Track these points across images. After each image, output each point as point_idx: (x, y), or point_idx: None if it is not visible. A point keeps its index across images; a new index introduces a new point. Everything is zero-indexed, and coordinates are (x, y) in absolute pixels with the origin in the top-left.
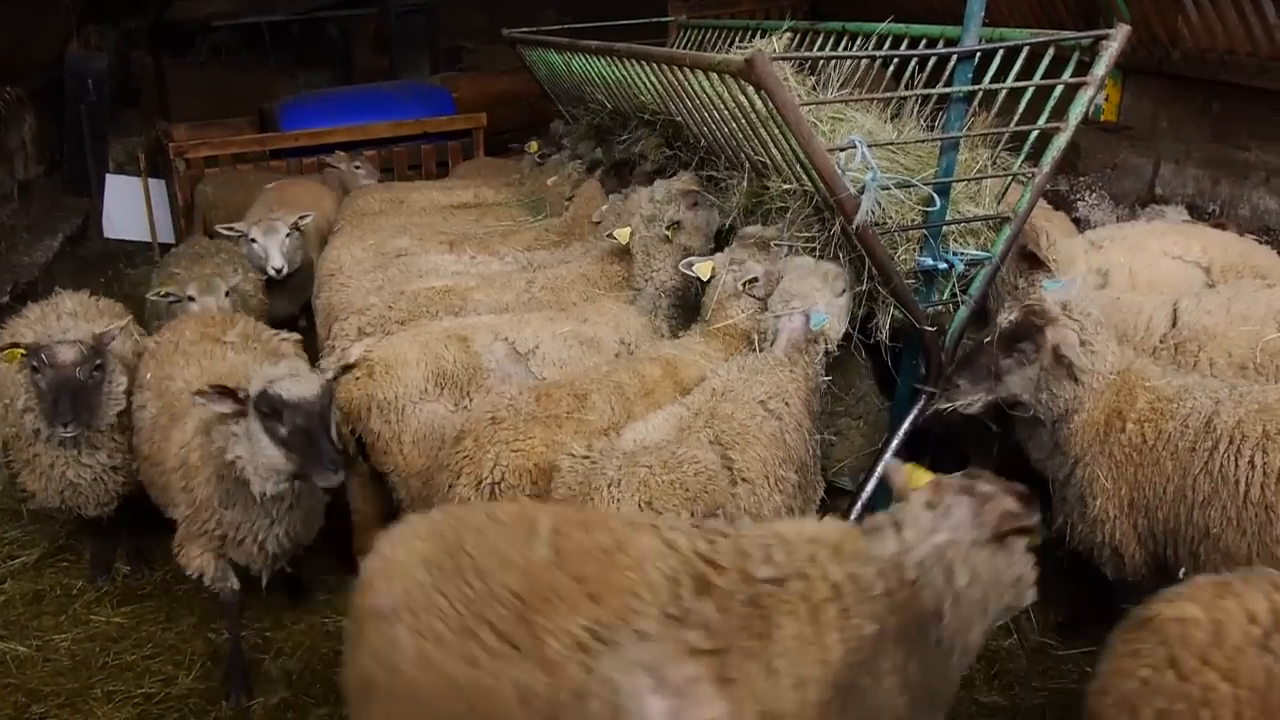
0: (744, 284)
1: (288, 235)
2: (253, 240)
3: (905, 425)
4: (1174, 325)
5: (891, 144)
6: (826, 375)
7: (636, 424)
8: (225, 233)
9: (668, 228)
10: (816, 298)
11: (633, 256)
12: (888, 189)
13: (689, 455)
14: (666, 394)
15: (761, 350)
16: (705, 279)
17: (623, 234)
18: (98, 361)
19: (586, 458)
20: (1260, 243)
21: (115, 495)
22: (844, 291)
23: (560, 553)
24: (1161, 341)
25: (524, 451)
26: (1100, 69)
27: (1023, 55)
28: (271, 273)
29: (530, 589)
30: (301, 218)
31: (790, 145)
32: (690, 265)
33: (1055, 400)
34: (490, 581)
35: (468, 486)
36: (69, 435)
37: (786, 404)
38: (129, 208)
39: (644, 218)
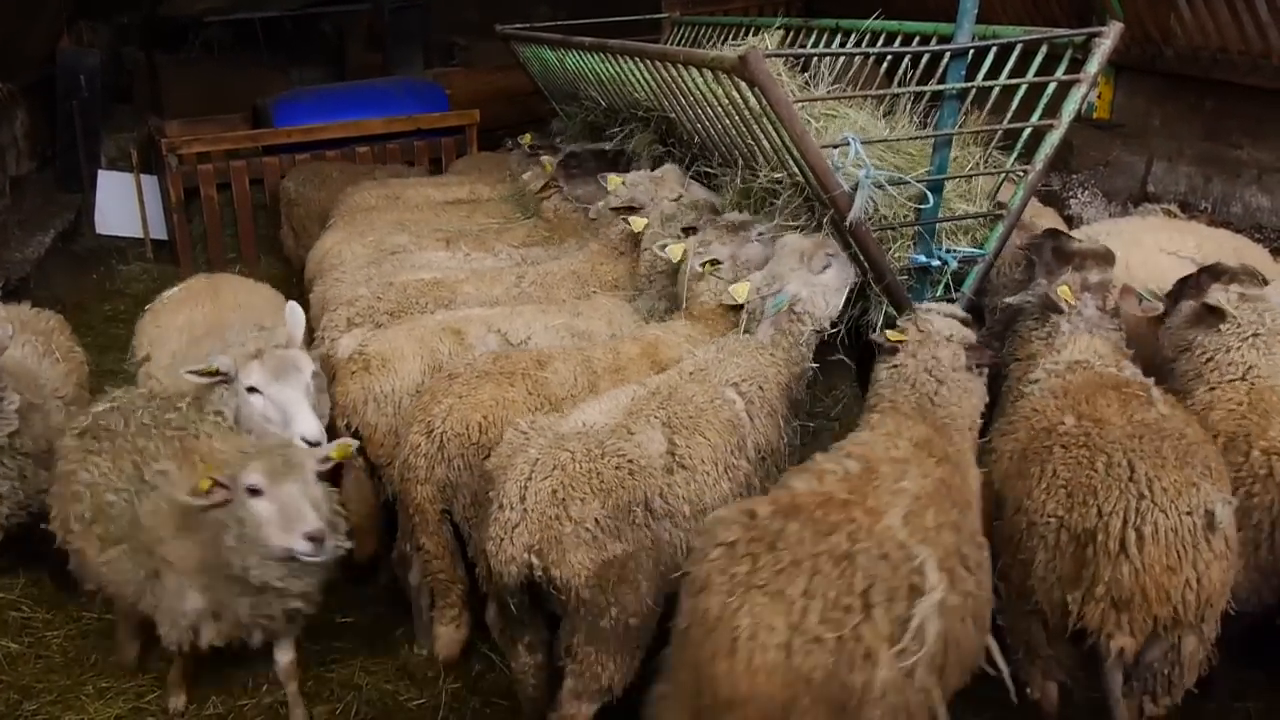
0: (704, 264)
1: (314, 375)
2: (251, 390)
3: None
4: None
5: (885, 141)
6: (815, 363)
7: (589, 403)
8: (195, 379)
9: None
10: (791, 278)
11: (640, 258)
12: (881, 186)
13: (616, 447)
14: (640, 373)
15: (749, 331)
16: (676, 261)
17: (675, 251)
18: None
19: (525, 432)
20: (1253, 240)
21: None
22: (827, 268)
23: None
24: None
25: (472, 404)
26: (1093, 66)
27: (1016, 52)
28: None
29: None
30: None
31: (784, 141)
32: (664, 247)
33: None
34: None
35: (419, 434)
36: None
37: (761, 388)
38: (121, 204)
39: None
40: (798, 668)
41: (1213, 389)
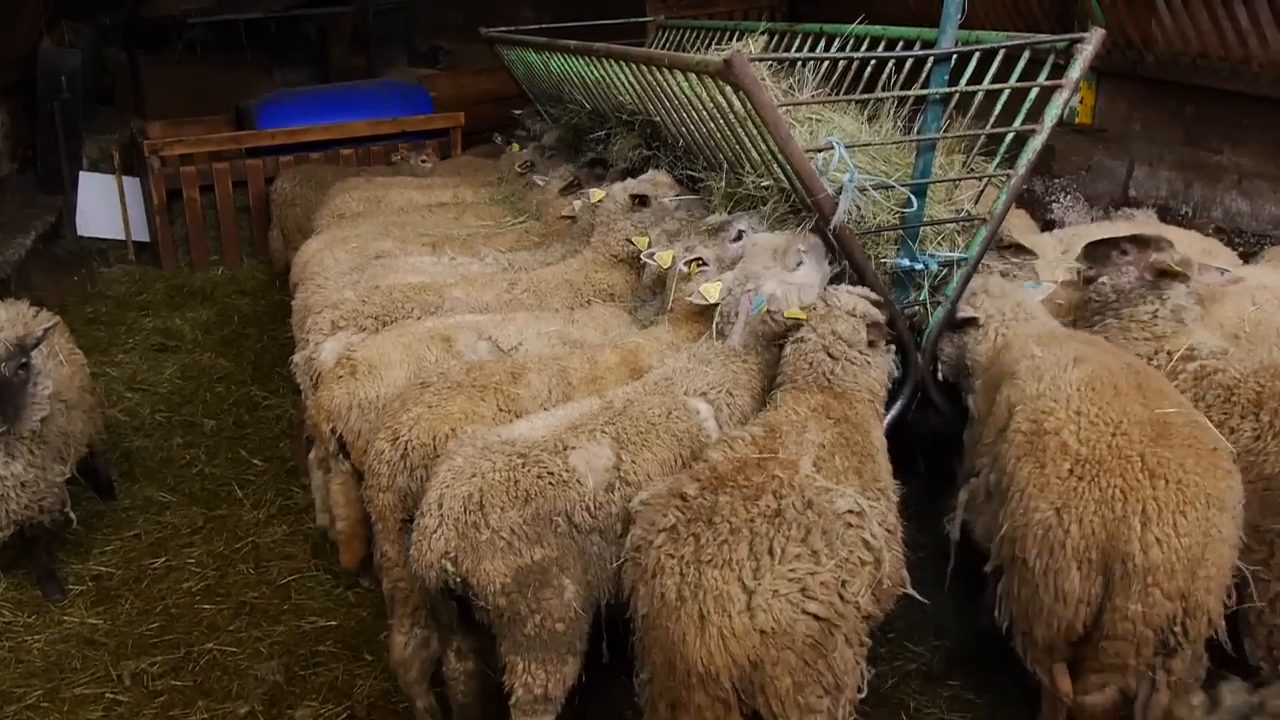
0: (687, 264)
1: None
2: None
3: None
4: None
5: (869, 145)
6: None
7: (537, 415)
8: None
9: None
10: (765, 277)
11: (645, 270)
12: (865, 190)
13: (537, 458)
14: (618, 382)
15: (725, 335)
16: (665, 267)
17: (664, 257)
18: (23, 360)
19: (461, 441)
20: (1234, 245)
21: (15, 518)
22: (800, 264)
23: None
24: None
25: (442, 416)
26: (1075, 72)
27: (998, 58)
28: None
29: None
30: None
31: (768, 145)
32: (653, 255)
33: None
34: None
35: (384, 440)
36: None
37: (731, 394)
38: (103, 206)
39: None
40: (762, 625)
41: None
